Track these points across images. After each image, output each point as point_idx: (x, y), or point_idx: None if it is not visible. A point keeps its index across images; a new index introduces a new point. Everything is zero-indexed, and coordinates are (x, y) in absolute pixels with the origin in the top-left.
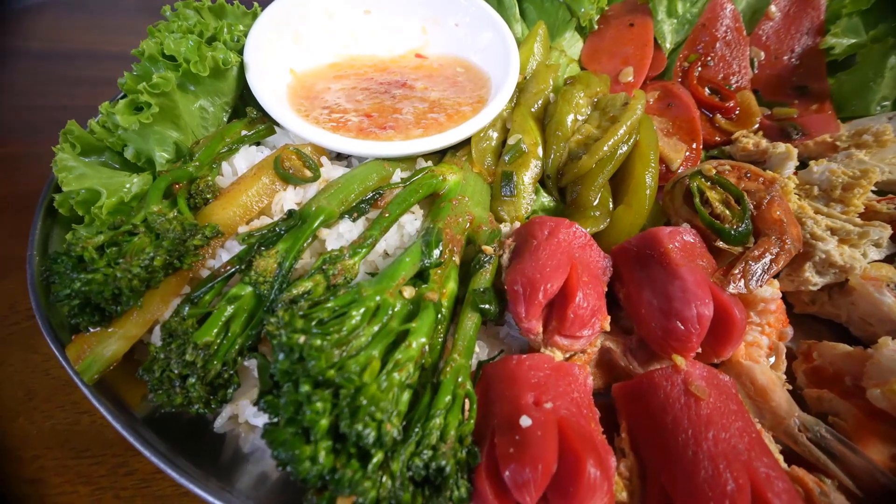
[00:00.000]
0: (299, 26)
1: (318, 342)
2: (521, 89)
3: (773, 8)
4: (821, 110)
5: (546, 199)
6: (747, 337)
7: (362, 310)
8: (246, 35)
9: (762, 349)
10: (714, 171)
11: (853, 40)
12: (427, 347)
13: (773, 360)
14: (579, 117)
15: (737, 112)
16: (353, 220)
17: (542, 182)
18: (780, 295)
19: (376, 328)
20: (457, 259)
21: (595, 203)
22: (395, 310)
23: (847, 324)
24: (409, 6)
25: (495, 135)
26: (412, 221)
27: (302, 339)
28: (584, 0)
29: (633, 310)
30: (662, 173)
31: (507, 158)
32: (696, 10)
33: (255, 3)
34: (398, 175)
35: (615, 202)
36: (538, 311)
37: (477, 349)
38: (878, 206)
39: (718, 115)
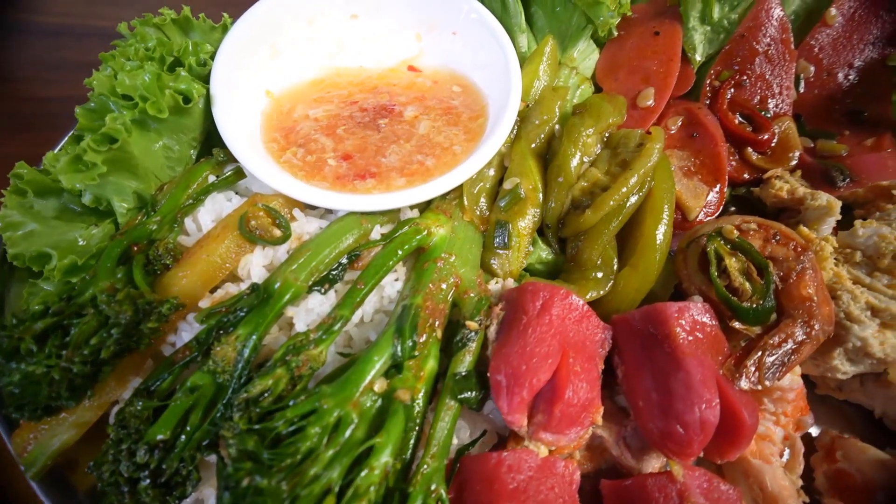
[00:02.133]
0: (276, 39)
1: (266, 483)
2: (522, 118)
3: (833, 11)
4: (877, 146)
5: (544, 252)
6: (759, 428)
7: (319, 428)
8: (214, 56)
9: (775, 444)
10: (736, 233)
11: None
12: (393, 463)
13: (787, 455)
14: (586, 159)
15: (773, 144)
16: (324, 293)
17: (542, 230)
18: (801, 383)
19: (334, 451)
20: (438, 333)
21: (597, 263)
22: (359, 420)
23: (881, 416)
24: (402, 10)
25: (492, 172)
26: (393, 283)
27: (246, 481)
28: (603, 6)
29: (631, 397)
30: (678, 222)
31: (502, 205)
32: (734, 17)
33: (225, 15)
34: (378, 231)
35: (621, 260)
36: (522, 407)
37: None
38: None
39: (749, 149)
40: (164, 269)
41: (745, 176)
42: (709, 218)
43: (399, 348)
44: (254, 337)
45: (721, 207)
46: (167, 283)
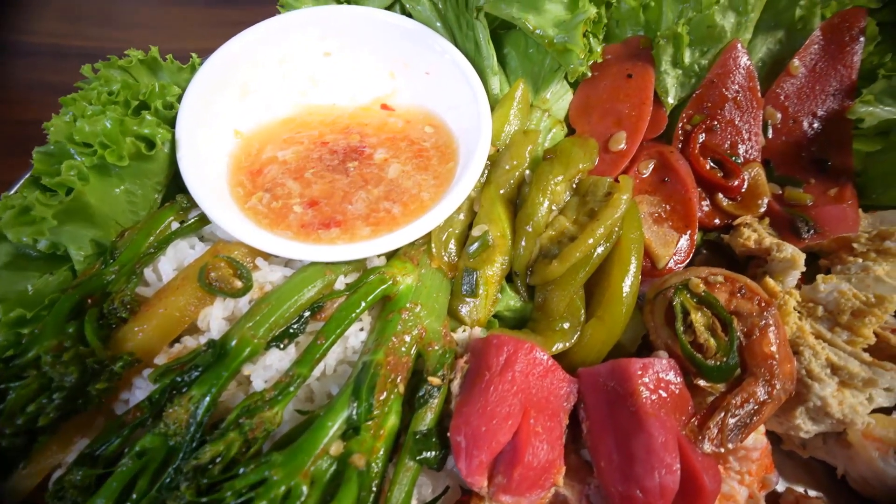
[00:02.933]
0: (246, 78)
1: None
2: (493, 162)
3: (796, 62)
4: (840, 198)
5: (513, 300)
6: (723, 488)
7: (266, 502)
8: (181, 99)
9: None
10: (702, 287)
11: (889, 111)
12: None
13: None
14: (554, 206)
15: (743, 191)
16: (283, 348)
17: (511, 277)
18: (765, 442)
19: None
20: (401, 387)
21: (564, 313)
22: (311, 490)
23: (844, 474)
24: (375, 48)
25: (461, 217)
26: (357, 333)
27: None
28: (572, 54)
29: (594, 455)
30: (647, 270)
31: (470, 251)
32: (705, 63)
33: (193, 56)
34: (342, 281)
35: (588, 311)
36: (482, 470)
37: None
38: (893, 338)
39: (720, 195)
40: (120, 322)
41: (716, 221)
42: (679, 266)
43: (355, 412)
44: (208, 398)
45: (692, 255)
46: (122, 338)
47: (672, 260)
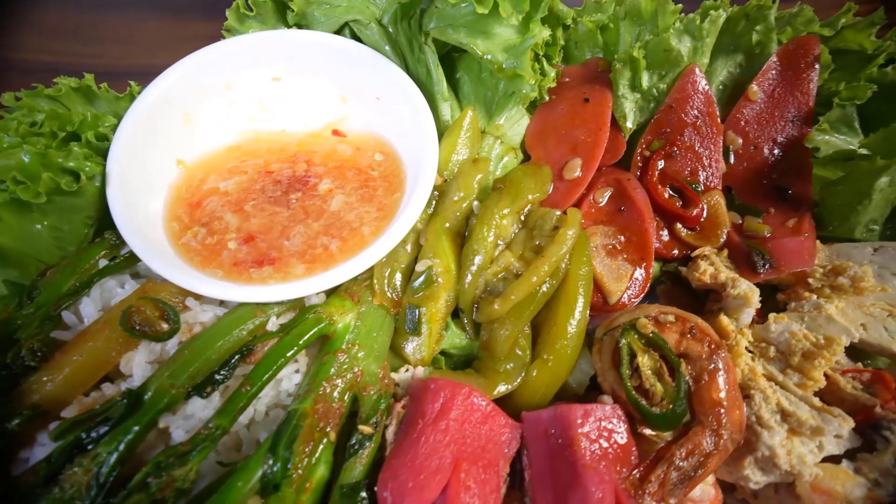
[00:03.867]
0: (190, 106)
1: None
2: (441, 193)
3: (755, 87)
4: (797, 230)
5: (458, 338)
6: None
7: None
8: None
9: None
10: (651, 328)
11: (844, 140)
12: None
13: None
14: (500, 241)
15: (702, 220)
16: (206, 396)
17: (458, 313)
18: (713, 493)
19: None
20: (332, 435)
21: (508, 353)
22: None
23: None
24: (326, 73)
25: (408, 249)
26: (291, 376)
27: None
28: (523, 79)
29: None
30: (599, 305)
31: (413, 287)
32: (663, 87)
33: (132, 84)
34: (274, 322)
35: (535, 350)
36: None
37: None
38: (842, 382)
39: (679, 225)
40: (28, 372)
41: (675, 252)
42: (633, 301)
43: (270, 469)
44: (115, 456)
45: (646, 289)
46: (27, 390)
47: (626, 295)
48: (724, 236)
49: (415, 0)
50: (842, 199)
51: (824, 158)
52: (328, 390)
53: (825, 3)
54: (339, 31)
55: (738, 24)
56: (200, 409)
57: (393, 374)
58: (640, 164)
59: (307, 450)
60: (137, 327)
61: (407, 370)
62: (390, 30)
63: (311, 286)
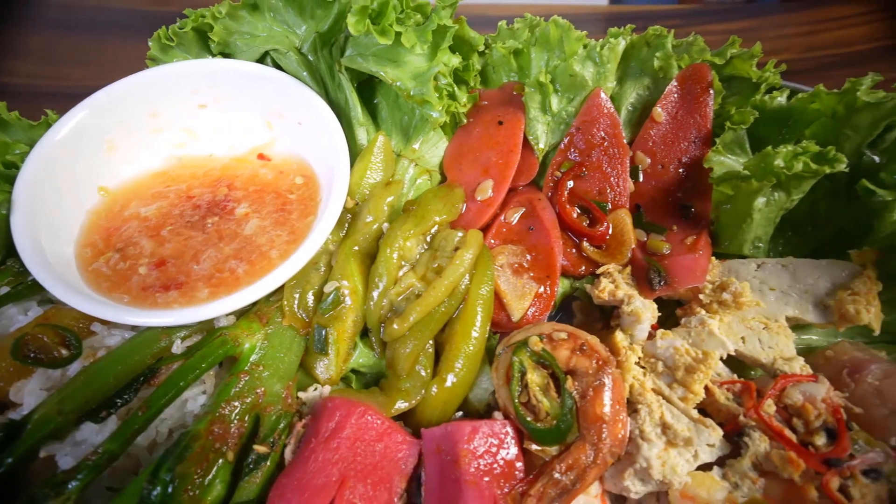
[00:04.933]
0: (113, 133)
1: None
2: (354, 216)
3: (659, 109)
4: (694, 247)
5: (364, 358)
6: None
7: None
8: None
9: None
10: (541, 345)
11: (736, 161)
12: None
13: None
14: (404, 263)
15: (608, 238)
16: (100, 421)
17: (368, 333)
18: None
19: None
20: (230, 455)
21: (409, 372)
22: None
23: None
24: (250, 99)
25: (322, 270)
26: (197, 397)
27: None
28: (431, 104)
29: None
30: (504, 323)
31: (322, 308)
32: (571, 110)
33: (49, 112)
34: (180, 345)
35: (438, 368)
36: None
37: None
38: (718, 393)
39: (585, 243)
40: None
41: (582, 269)
42: (539, 317)
43: (148, 493)
44: None
45: (552, 306)
46: None
47: (530, 312)
48: (630, 254)
49: (332, 30)
50: (730, 218)
51: (719, 178)
52: (227, 411)
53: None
54: (261, 60)
55: (642, 50)
56: (93, 435)
57: (301, 394)
58: (551, 185)
59: (200, 471)
60: (32, 355)
61: (315, 389)
62: (310, 58)
63: (212, 310)
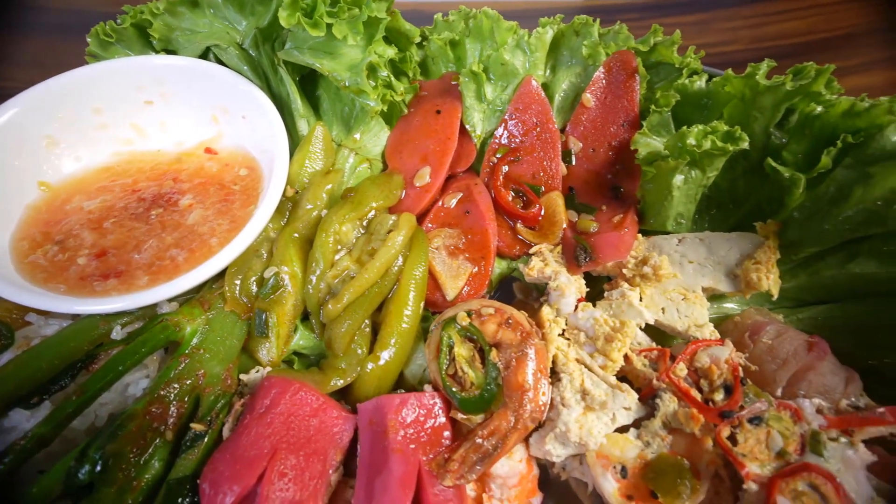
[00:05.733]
0: (53, 129)
1: None
2: (294, 204)
3: (588, 95)
4: (620, 225)
5: (305, 340)
6: None
7: None
8: None
9: None
10: (468, 320)
11: (659, 141)
12: None
13: None
14: (341, 247)
15: (541, 219)
16: (31, 407)
17: (308, 316)
18: (521, 469)
19: None
20: (169, 434)
21: (345, 350)
22: None
23: (594, 490)
24: (196, 94)
25: (264, 257)
26: (139, 381)
27: None
28: (367, 93)
29: (355, 492)
30: (440, 302)
31: (262, 293)
32: (506, 97)
33: None
34: (120, 331)
35: (374, 346)
36: None
37: None
38: (636, 360)
39: (520, 225)
40: None
41: (517, 250)
42: (473, 295)
43: (75, 472)
44: None
45: (486, 285)
46: None
47: (465, 291)
48: (561, 233)
49: (273, 25)
50: (653, 196)
51: (644, 159)
52: (166, 392)
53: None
54: (204, 55)
55: (571, 39)
56: (24, 421)
57: (243, 376)
58: (487, 170)
59: (136, 450)
60: None
61: (257, 371)
62: (252, 53)
63: (150, 296)
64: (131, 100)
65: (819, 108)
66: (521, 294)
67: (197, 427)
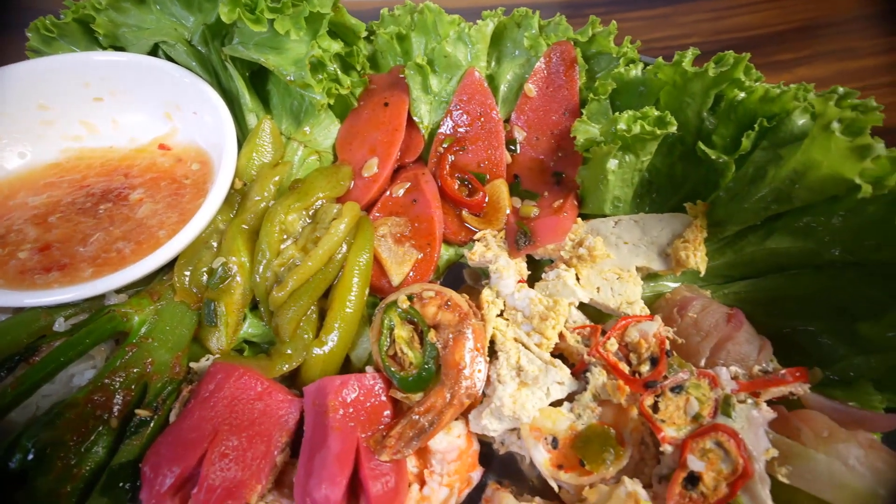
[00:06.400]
0: None
1: None
2: (243, 197)
3: (530, 85)
4: (559, 210)
5: (254, 328)
6: (423, 491)
7: None
8: None
9: None
10: (408, 303)
11: (596, 128)
12: None
13: None
14: (287, 236)
15: (485, 206)
16: None
17: (258, 305)
18: (460, 444)
19: None
20: (113, 422)
21: (291, 336)
22: None
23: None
24: (148, 91)
25: (214, 248)
26: (85, 372)
27: None
28: (314, 86)
29: (297, 471)
30: (386, 288)
31: (211, 283)
32: (451, 89)
33: None
34: (62, 323)
35: (321, 331)
36: (164, 497)
37: None
38: (569, 337)
39: (465, 212)
40: None
41: (463, 236)
42: (419, 281)
43: (10, 460)
44: None
45: (432, 270)
46: None
47: (410, 276)
48: (505, 219)
49: (219, 22)
50: (591, 181)
51: (582, 145)
52: (111, 380)
53: None
54: (153, 52)
55: (513, 31)
56: None
57: (193, 364)
58: (434, 160)
59: (77, 438)
60: None
61: (207, 359)
62: (201, 49)
63: (93, 288)
64: (78, 96)
65: (741, 95)
66: (471, 280)
67: (142, 413)
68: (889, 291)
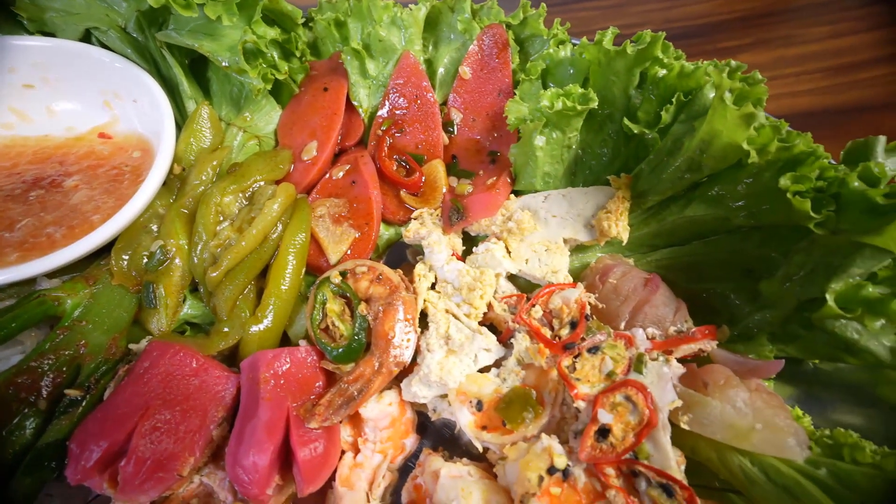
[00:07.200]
0: None
1: None
2: (182, 181)
3: (465, 68)
4: (492, 187)
5: (197, 309)
6: (357, 458)
7: None
8: None
9: (367, 469)
10: (340, 278)
11: (527, 107)
12: None
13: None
14: (222, 217)
15: (422, 186)
16: None
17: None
18: (393, 411)
19: None
20: (42, 404)
21: (228, 314)
22: None
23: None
24: (84, 79)
25: (155, 232)
26: (10, 357)
27: None
28: (249, 71)
29: (229, 442)
30: (324, 267)
31: (149, 266)
32: (388, 72)
33: None
34: None
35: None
36: (90, 472)
37: None
38: (496, 306)
39: (404, 192)
40: None
41: (401, 216)
42: (358, 258)
43: None
44: None
45: (369, 248)
46: None
47: (348, 254)
48: (442, 198)
49: (154, 8)
50: (521, 159)
51: (513, 124)
52: (38, 363)
53: None
54: (85, 38)
55: (448, 15)
56: None
57: (132, 345)
58: (373, 142)
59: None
60: None
61: (148, 340)
62: (137, 37)
63: (19, 272)
64: (5, 83)
65: (662, 72)
66: (413, 259)
67: (72, 393)
68: (781, 250)
